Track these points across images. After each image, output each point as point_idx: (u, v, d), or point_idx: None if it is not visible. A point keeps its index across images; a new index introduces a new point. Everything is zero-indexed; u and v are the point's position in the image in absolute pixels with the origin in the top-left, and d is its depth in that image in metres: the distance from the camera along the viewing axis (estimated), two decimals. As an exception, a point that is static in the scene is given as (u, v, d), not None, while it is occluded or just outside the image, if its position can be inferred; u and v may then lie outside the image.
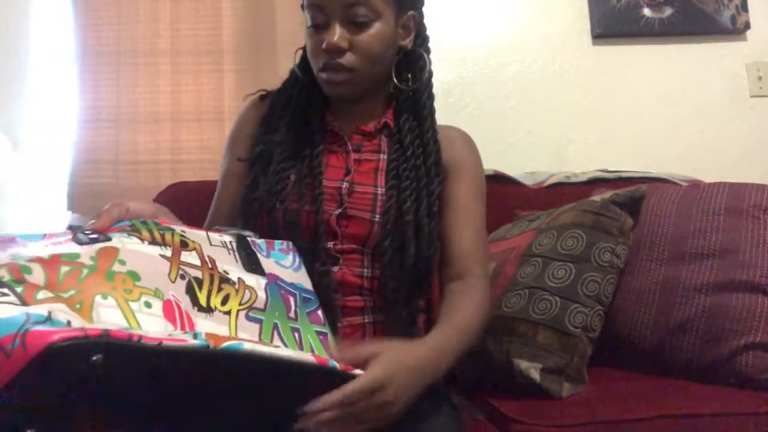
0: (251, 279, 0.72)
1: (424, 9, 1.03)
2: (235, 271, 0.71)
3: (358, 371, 0.65)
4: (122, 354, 0.50)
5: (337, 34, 0.89)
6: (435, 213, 0.95)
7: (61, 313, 0.52)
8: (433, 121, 1.00)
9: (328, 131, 0.99)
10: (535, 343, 1.07)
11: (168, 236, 0.68)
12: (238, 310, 0.68)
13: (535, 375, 1.04)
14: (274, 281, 0.75)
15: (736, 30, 2.00)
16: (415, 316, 0.97)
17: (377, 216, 0.92)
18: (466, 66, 1.98)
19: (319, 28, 0.91)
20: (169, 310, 0.61)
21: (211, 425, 0.63)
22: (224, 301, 0.67)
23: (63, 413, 0.53)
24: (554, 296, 1.11)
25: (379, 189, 0.95)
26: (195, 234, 0.72)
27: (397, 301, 0.92)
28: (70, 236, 0.63)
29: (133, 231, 0.66)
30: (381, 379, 0.66)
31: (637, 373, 1.13)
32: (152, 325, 0.58)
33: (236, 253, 0.74)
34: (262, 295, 0.71)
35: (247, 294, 0.70)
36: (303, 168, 0.94)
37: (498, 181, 1.69)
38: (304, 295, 0.77)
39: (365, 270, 0.93)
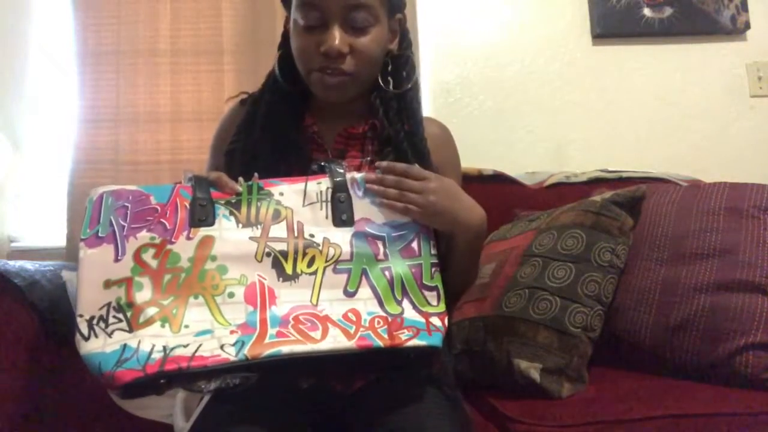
0: (337, 235, 0.81)
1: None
2: (321, 232, 0.81)
3: (410, 343, 0.74)
4: (180, 376, 0.69)
5: (338, 38, 0.86)
6: None
7: (148, 338, 0.70)
8: (422, 125, 0.98)
9: (308, 138, 0.97)
10: (535, 343, 1.07)
11: (263, 209, 0.80)
12: (324, 267, 0.78)
13: (535, 375, 1.04)
14: (361, 229, 0.82)
15: (736, 30, 2.00)
16: None
17: None
18: (466, 66, 1.98)
19: (313, 29, 0.88)
20: (251, 293, 0.75)
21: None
22: (310, 263, 0.78)
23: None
24: (554, 296, 1.11)
25: None
26: (292, 193, 0.83)
27: None
28: (190, 198, 0.79)
29: (235, 207, 0.80)
30: (431, 174, 0.83)
31: (637, 373, 1.13)
32: (233, 312, 0.74)
33: (328, 206, 0.82)
34: (347, 249, 0.80)
35: (332, 251, 0.80)
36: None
37: (498, 181, 1.69)
38: (395, 233, 0.83)
39: None
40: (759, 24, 2.01)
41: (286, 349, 0.70)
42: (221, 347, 0.70)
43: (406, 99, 0.97)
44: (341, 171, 0.85)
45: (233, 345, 0.70)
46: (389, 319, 0.76)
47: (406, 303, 0.78)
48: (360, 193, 0.84)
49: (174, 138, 1.81)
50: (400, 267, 0.80)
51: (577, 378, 1.06)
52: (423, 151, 0.96)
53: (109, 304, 0.72)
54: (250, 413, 0.77)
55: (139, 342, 0.70)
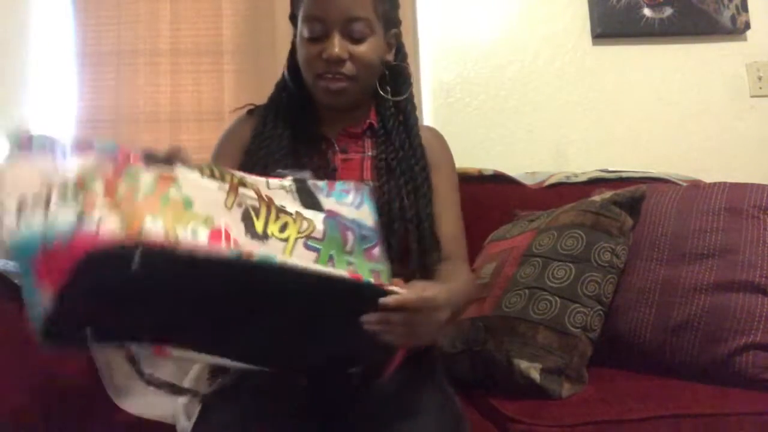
0: (309, 213, 0.75)
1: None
2: (292, 206, 0.74)
3: (395, 288, 0.69)
4: (158, 260, 0.56)
5: (338, 45, 0.95)
6: (431, 213, 1.00)
7: (112, 222, 0.56)
8: (418, 129, 1.07)
9: (317, 136, 1.04)
10: (535, 343, 1.07)
11: (227, 176, 0.70)
12: (296, 238, 0.70)
13: (535, 375, 1.04)
14: (333, 217, 0.76)
15: (736, 30, 2.00)
16: None
17: None
18: (466, 66, 1.98)
19: (316, 39, 0.96)
20: (216, 237, 0.63)
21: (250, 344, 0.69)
22: (282, 229, 0.70)
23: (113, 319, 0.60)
24: (554, 296, 1.11)
25: (366, 183, 1.00)
26: (253, 178, 0.75)
27: None
28: (141, 153, 0.65)
29: (195, 168, 0.68)
30: (440, 297, 0.73)
31: (637, 373, 1.13)
32: None
33: (295, 194, 0.77)
34: (320, 226, 0.73)
35: (305, 224, 0.72)
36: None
37: (498, 181, 1.69)
38: (363, 232, 0.78)
39: None
40: (759, 24, 2.01)
41: (279, 258, 0.64)
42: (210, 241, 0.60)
43: (402, 104, 1.06)
44: (299, 175, 0.81)
45: (223, 245, 0.61)
46: None
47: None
48: (323, 195, 0.80)
49: (174, 138, 1.80)
50: (363, 268, 0.75)
51: (577, 378, 1.06)
52: (417, 148, 1.03)
53: (49, 187, 0.57)
54: (252, 409, 0.78)
55: (100, 218, 0.56)
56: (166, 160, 0.65)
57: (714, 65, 2.01)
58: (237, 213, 0.67)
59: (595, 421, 0.93)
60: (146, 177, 0.62)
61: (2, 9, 1.86)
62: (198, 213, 0.63)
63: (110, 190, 0.59)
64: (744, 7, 2.00)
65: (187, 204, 0.63)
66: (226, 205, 0.66)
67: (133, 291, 0.58)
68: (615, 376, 1.14)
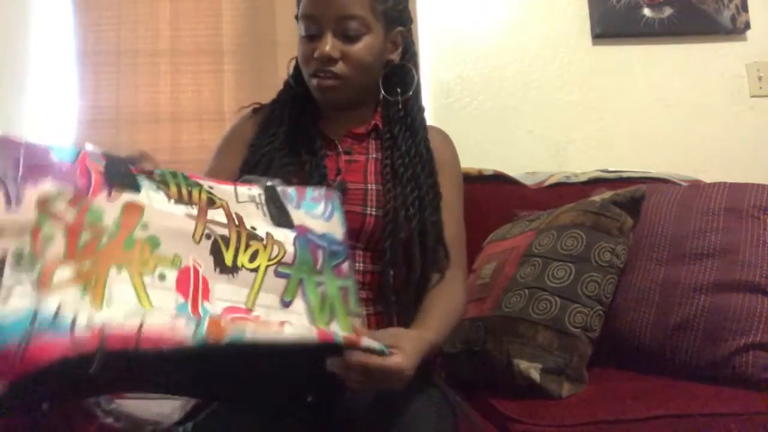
0: (280, 233, 0.73)
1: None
2: (263, 226, 0.72)
3: (364, 343, 0.69)
4: (120, 358, 0.53)
5: (329, 44, 0.94)
6: (438, 221, 0.99)
7: (70, 304, 0.53)
8: (425, 130, 1.05)
9: (320, 136, 1.04)
10: (535, 343, 1.07)
11: (195, 193, 0.68)
12: (267, 266, 0.69)
13: (535, 375, 1.04)
14: (303, 234, 0.75)
15: (736, 30, 2.00)
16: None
17: (369, 209, 0.97)
18: (466, 66, 1.98)
19: (312, 38, 0.96)
20: (184, 280, 0.62)
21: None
22: (252, 258, 0.69)
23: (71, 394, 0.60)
24: (554, 296, 1.11)
25: (369, 185, 1.00)
26: (222, 190, 0.72)
27: (405, 300, 0.96)
28: (103, 163, 0.63)
29: (162, 183, 0.66)
30: (405, 367, 0.72)
31: (637, 373, 1.13)
32: (163, 300, 0.59)
33: (264, 207, 0.75)
34: (290, 249, 0.72)
35: (276, 249, 0.71)
36: (306, 170, 0.98)
37: (498, 181, 1.69)
38: (332, 247, 0.77)
39: (360, 265, 0.97)
40: (759, 24, 2.01)
41: (249, 332, 0.60)
42: (173, 321, 0.57)
43: (407, 105, 1.04)
44: (269, 182, 0.79)
45: (188, 323, 0.57)
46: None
47: (334, 325, 0.73)
48: (294, 204, 0.78)
49: (174, 138, 1.81)
50: (332, 286, 0.75)
51: (577, 378, 1.06)
52: (424, 152, 1.02)
53: (3, 256, 0.52)
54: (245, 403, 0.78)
55: (59, 306, 0.52)
56: (129, 175, 0.63)
57: (714, 65, 2.01)
58: (206, 246, 0.66)
59: (595, 421, 0.93)
60: (110, 214, 0.60)
61: (2, 9, 1.86)
62: (165, 255, 0.62)
63: (72, 242, 0.56)
64: (744, 7, 2.00)
65: (154, 244, 0.62)
66: (194, 239, 0.65)
67: (95, 380, 0.56)
68: (615, 376, 1.14)
